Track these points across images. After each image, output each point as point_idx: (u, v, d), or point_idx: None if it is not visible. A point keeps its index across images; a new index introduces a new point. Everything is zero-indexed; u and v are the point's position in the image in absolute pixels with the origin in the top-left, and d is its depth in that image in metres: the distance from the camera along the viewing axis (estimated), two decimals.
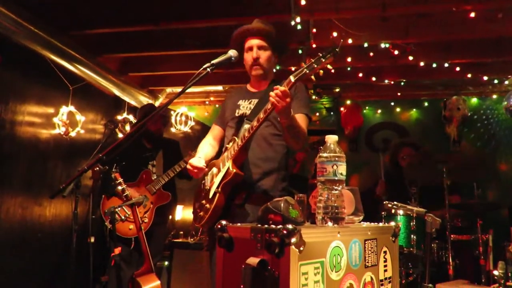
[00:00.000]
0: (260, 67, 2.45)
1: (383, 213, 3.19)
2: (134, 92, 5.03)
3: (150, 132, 3.98)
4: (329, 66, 4.51)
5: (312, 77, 4.35)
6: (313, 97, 5.29)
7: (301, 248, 1.20)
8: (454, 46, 4.16)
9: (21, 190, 3.74)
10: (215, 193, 2.24)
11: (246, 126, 2.27)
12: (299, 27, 3.49)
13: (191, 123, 5.61)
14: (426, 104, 5.64)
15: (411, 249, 3.07)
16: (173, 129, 5.59)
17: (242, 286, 1.24)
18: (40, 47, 3.49)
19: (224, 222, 1.40)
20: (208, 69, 2.07)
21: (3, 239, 3.51)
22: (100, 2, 3.60)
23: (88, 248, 3.37)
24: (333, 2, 3.35)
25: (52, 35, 3.55)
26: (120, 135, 5.02)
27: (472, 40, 4.07)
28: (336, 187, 1.47)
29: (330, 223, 1.44)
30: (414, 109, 5.69)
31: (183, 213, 5.34)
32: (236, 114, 2.47)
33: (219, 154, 2.51)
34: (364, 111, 5.79)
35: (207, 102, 5.97)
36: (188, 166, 2.37)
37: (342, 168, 1.47)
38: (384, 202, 3.22)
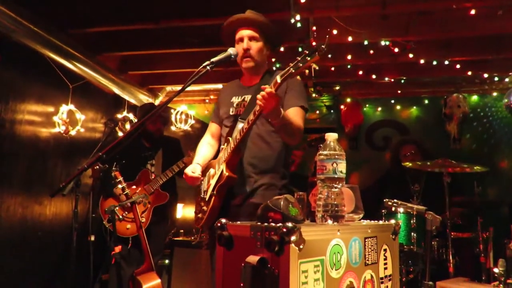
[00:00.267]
0: (251, 59, 2.37)
1: (383, 211, 3.19)
2: (134, 90, 5.03)
3: (150, 132, 3.97)
4: (328, 64, 4.52)
5: (311, 74, 4.34)
6: (313, 95, 5.28)
7: (301, 246, 1.20)
8: (454, 44, 4.15)
9: (21, 188, 3.74)
10: (211, 196, 2.24)
11: (240, 125, 2.24)
12: (298, 25, 3.48)
13: (191, 121, 5.60)
14: (426, 101, 5.63)
15: (412, 247, 3.07)
16: (173, 128, 5.59)
17: (242, 284, 1.24)
18: (39, 46, 3.49)
19: (223, 221, 1.40)
20: (208, 67, 2.06)
21: (3, 238, 3.51)
22: (100, 0, 3.59)
23: (88, 246, 3.37)
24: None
25: (52, 34, 3.54)
26: (120, 134, 5.02)
27: (472, 38, 4.06)
28: (336, 185, 1.47)
29: (330, 221, 1.44)
30: (415, 107, 5.68)
31: (183, 211, 5.35)
32: (231, 113, 2.43)
33: (218, 152, 2.50)
34: (364, 109, 5.78)
35: (207, 100, 5.96)
36: (184, 175, 2.36)
37: (342, 166, 1.47)
38: (384, 200, 3.21)
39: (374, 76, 4.84)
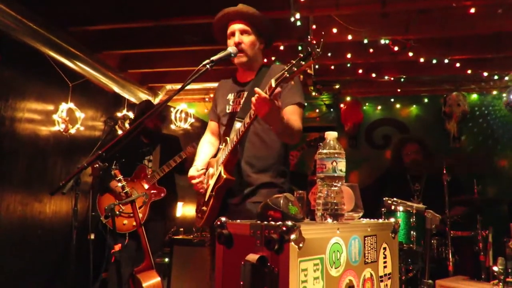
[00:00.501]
0: (243, 54, 2.29)
1: (383, 209, 3.19)
2: (134, 89, 5.03)
3: (148, 128, 3.96)
4: (327, 63, 4.51)
5: (311, 72, 4.34)
6: (313, 93, 5.27)
7: (301, 245, 1.20)
8: (454, 42, 4.15)
9: (21, 187, 3.74)
10: (210, 196, 2.23)
11: (237, 125, 2.21)
12: (298, 23, 3.48)
13: (190, 120, 5.60)
14: (426, 100, 5.63)
15: (411, 245, 3.08)
16: (173, 126, 5.59)
17: (241, 283, 1.24)
18: (39, 44, 3.49)
19: (223, 219, 1.40)
20: (208, 66, 2.05)
21: (3, 236, 3.52)
22: None
23: (88, 245, 3.37)
24: None
25: (52, 32, 3.54)
26: (120, 132, 5.02)
27: (472, 36, 4.06)
28: (335, 184, 1.47)
29: (329, 220, 1.44)
30: (414, 105, 5.68)
31: (183, 210, 5.35)
32: (227, 111, 2.39)
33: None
34: (364, 107, 5.78)
35: (206, 99, 5.95)
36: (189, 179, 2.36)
37: (341, 165, 1.47)
38: (384, 199, 3.22)
39: (374, 75, 4.84)
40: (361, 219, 1.68)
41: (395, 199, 3.15)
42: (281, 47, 4.18)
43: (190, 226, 4.63)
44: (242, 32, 2.30)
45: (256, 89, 1.82)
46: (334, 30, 3.70)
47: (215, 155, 2.45)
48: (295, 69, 1.73)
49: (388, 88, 5.40)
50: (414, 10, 3.60)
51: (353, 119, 5.64)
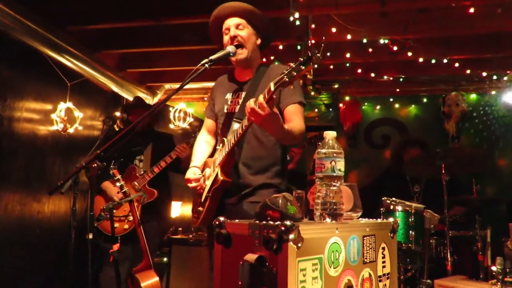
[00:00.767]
0: (242, 48, 2.25)
1: (381, 209, 3.19)
2: (133, 88, 5.02)
3: (138, 128, 3.89)
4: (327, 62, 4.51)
5: (310, 77, 4.34)
6: (312, 93, 5.28)
7: (299, 245, 1.20)
8: (453, 42, 4.15)
9: (20, 186, 3.73)
10: (206, 197, 2.23)
11: (235, 126, 2.19)
12: (297, 22, 3.48)
13: (189, 119, 5.59)
14: (425, 100, 5.64)
15: (410, 245, 3.08)
16: (171, 126, 5.58)
17: (240, 283, 1.24)
18: (38, 43, 3.48)
19: (222, 219, 1.39)
20: (206, 65, 2.04)
21: (1, 236, 3.50)
22: None
23: (86, 244, 3.36)
24: None
25: (50, 31, 3.53)
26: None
27: (471, 36, 4.07)
28: (334, 183, 1.46)
29: (328, 219, 1.43)
30: (413, 105, 5.69)
31: (181, 209, 5.34)
32: (225, 110, 2.36)
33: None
34: (363, 107, 5.79)
35: (205, 98, 5.95)
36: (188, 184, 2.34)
37: (340, 164, 1.47)
38: (383, 198, 3.22)
39: (373, 74, 4.84)
40: (360, 219, 1.68)
41: (393, 198, 3.15)
42: (280, 47, 4.18)
43: (189, 225, 4.62)
44: (237, 26, 2.26)
45: (248, 103, 1.81)
46: (333, 30, 3.70)
47: (211, 155, 2.44)
48: (295, 73, 1.71)
49: (387, 87, 5.41)
50: (413, 10, 3.60)
51: (352, 118, 5.65)
